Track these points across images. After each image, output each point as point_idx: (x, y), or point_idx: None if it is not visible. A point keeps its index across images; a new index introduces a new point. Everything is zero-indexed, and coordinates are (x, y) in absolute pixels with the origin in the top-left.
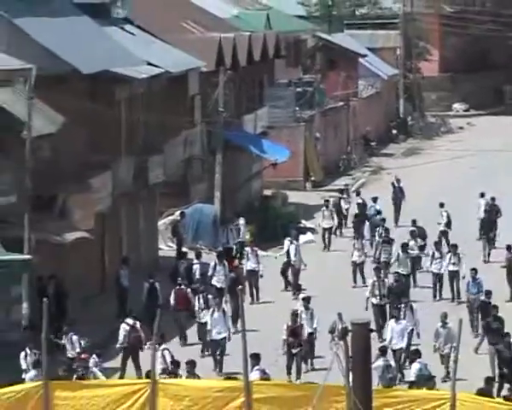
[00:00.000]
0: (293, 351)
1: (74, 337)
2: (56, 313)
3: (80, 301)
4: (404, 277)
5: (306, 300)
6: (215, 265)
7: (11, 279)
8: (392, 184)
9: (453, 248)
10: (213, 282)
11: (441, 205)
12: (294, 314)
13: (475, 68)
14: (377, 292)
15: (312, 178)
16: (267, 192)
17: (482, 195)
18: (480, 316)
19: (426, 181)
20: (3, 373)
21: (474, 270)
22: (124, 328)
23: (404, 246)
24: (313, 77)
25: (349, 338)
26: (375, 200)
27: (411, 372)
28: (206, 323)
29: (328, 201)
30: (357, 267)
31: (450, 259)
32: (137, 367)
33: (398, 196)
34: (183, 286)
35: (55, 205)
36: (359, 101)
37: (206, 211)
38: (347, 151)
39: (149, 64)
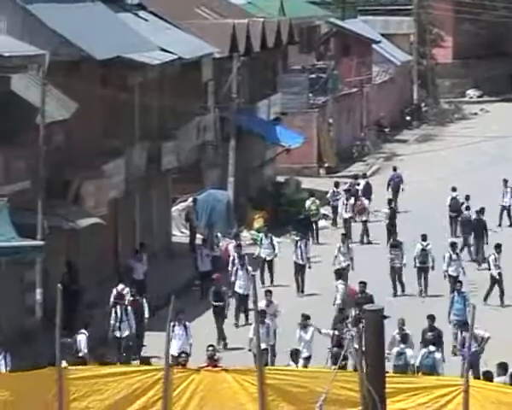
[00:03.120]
0: None
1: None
2: (69, 301)
3: (94, 287)
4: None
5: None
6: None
7: (24, 265)
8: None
9: (497, 248)
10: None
11: (453, 189)
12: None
13: (489, 54)
14: (339, 297)
15: (326, 165)
16: (280, 178)
17: (454, 189)
18: None
19: (439, 167)
20: (19, 360)
21: (460, 283)
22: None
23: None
24: (327, 63)
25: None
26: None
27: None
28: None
29: (345, 235)
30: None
31: (495, 260)
32: None
33: (395, 182)
34: (137, 298)
35: (68, 191)
36: (373, 87)
37: (220, 197)
38: (361, 137)
39: (163, 50)
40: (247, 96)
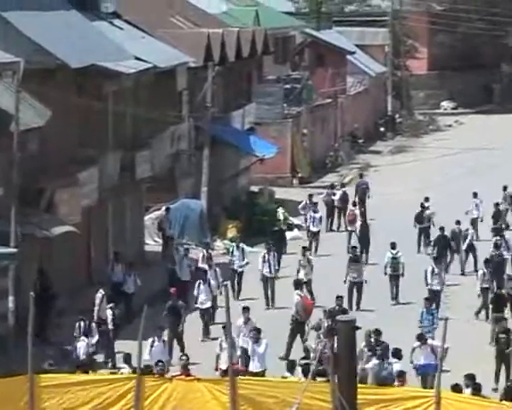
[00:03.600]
0: None
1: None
2: (42, 308)
3: (67, 295)
4: None
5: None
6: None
7: None
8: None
9: (486, 263)
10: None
11: (426, 199)
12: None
13: (464, 66)
14: (294, 308)
15: (299, 175)
16: (254, 188)
17: (427, 199)
18: None
19: (413, 178)
20: None
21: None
22: None
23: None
24: (301, 73)
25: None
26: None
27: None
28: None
29: (305, 248)
30: (305, 285)
31: (483, 275)
32: None
33: (361, 189)
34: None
35: (41, 199)
36: (347, 98)
37: (193, 206)
38: (335, 148)
39: (137, 59)
40: (222, 105)
